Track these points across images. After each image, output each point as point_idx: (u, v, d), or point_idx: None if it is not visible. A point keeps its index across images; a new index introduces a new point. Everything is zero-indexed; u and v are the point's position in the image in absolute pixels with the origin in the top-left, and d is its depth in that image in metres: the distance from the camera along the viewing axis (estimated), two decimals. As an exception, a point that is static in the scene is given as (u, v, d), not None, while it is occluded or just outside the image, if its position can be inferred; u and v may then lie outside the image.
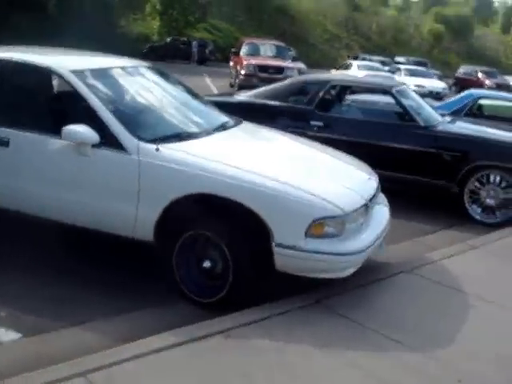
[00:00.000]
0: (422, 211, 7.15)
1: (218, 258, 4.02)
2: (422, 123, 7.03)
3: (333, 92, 7.65)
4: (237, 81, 19.27)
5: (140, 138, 4.20)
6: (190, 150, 4.21)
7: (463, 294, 4.47)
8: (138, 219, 4.17)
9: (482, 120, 9.48)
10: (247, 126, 5.43)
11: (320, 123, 7.27)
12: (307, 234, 3.86)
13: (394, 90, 7.22)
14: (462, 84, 33.54)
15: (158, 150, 4.14)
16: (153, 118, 4.72)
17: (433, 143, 6.94)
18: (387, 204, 5.03)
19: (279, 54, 20.74)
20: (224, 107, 7.83)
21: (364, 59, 34.95)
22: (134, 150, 4.16)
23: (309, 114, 7.34)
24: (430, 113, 7.72)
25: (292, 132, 7.28)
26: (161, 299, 4.14)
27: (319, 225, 3.87)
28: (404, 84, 8.59)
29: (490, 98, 10.55)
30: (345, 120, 7.43)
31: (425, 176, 6.99)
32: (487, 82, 31.55)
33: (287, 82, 7.99)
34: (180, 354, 3.30)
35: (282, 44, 21.88)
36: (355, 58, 35.96)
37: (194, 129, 4.75)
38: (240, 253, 3.91)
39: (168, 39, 38.10)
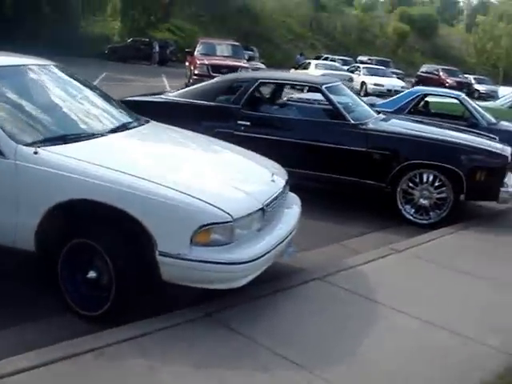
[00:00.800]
0: (356, 212, 6.88)
1: (102, 268, 3.68)
2: (351, 121, 6.73)
3: (261, 90, 7.32)
4: (190, 81, 18.86)
5: (18, 141, 3.85)
6: (72, 153, 3.86)
7: (374, 303, 4.16)
8: (18, 227, 3.85)
9: (426, 118, 9.30)
10: (152, 127, 5.08)
11: (247, 122, 6.95)
12: (193, 242, 3.54)
13: (323, 87, 6.92)
14: (424, 82, 33.48)
15: (36, 153, 3.79)
16: (38, 120, 4.31)
17: (362, 141, 6.66)
18: (298, 205, 4.75)
19: (235, 53, 20.37)
20: (149, 107, 7.60)
21: (326, 58, 34.95)
22: (12, 153, 3.81)
23: (235, 113, 7.01)
24: (364, 110, 7.45)
25: (219, 132, 7.03)
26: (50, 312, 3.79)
27: (205, 232, 3.55)
28: (350, 81, 8.28)
29: (436, 96, 10.34)
30: (272, 118, 7.11)
31: (355, 176, 6.71)
32: (448, 80, 31.72)
33: (215, 80, 7.64)
34: (36, 378, 2.94)
35: (237, 44, 21.47)
36: (318, 58, 35.95)
37: (84, 130, 4.38)
38: (123, 262, 3.59)
39: (129, 40, 37.56)
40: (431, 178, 6.52)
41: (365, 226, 6.48)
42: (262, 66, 28.22)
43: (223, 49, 20.51)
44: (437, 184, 6.51)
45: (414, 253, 5.32)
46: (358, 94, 8.90)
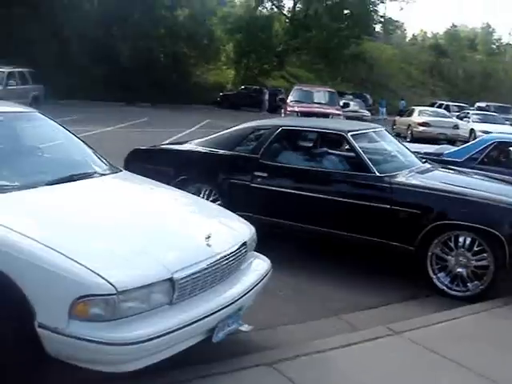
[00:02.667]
0: (381, 278, 5.94)
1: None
2: (376, 172, 5.87)
3: (282, 138, 6.66)
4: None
5: None
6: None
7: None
8: None
9: (503, 170, 8.13)
10: (112, 178, 4.59)
11: (264, 173, 6.32)
12: (71, 315, 2.96)
13: (348, 135, 6.14)
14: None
15: None
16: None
17: (386, 196, 5.77)
18: (262, 271, 4.03)
19: (328, 100, 19.79)
20: (171, 156, 7.25)
21: (441, 105, 33.41)
22: None
23: (253, 163, 6.41)
24: (403, 161, 6.56)
25: (235, 184, 6.49)
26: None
27: (84, 304, 2.96)
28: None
29: (509, 143, 9.09)
30: (291, 169, 6.39)
31: (379, 236, 5.81)
32: None
33: (237, 127, 7.10)
34: None
35: (332, 90, 20.89)
36: (432, 105, 34.51)
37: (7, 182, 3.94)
38: (2, 333, 3.07)
39: (240, 88, 38.30)
40: (468, 241, 5.48)
41: (385, 295, 5.54)
42: (367, 113, 27.37)
43: (317, 96, 20.03)
44: (476, 249, 5.46)
45: (416, 337, 4.33)
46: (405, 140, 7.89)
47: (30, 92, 21.08)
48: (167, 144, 7.58)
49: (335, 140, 6.59)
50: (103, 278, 2.97)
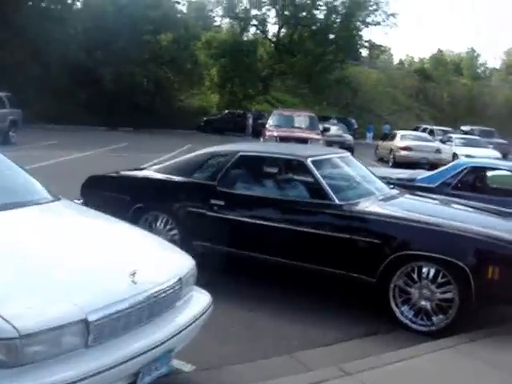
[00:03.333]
0: (344, 312, 5.59)
1: None
2: (336, 200, 5.57)
3: (240, 165, 6.35)
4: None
5: None
6: None
7: None
8: None
9: (478, 195, 7.90)
10: (43, 208, 4.25)
11: (221, 202, 6.00)
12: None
13: (308, 161, 5.84)
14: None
15: None
16: None
17: (345, 225, 5.46)
18: (200, 309, 3.74)
19: (309, 125, 19.57)
20: (126, 183, 6.93)
21: (425, 129, 33.37)
22: None
23: (210, 191, 6.10)
24: (367, 188, 6.27)
25: (191, 212, 6.19)
26: None
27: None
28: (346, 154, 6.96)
29: (484, 168, 8.85)
30: (248, 198, 6.09)
31: (340, 268, 5.49)
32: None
33: (196, 153, 6.80)
34: None
35: (312, 115, 20.65)
36: (416, 129, 34.48)
37: None
38: None
39: (224, 112, 38.17)
40: (432, 273, 5.16)
41: (345, 330, 5.19)
42: (349, 138, 27.19)
43: (296, 120, 19.82)
44: (440, 281, 5.14)
45: (369, 379, 3.98)
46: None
47: (7, 116, 20.73)
48: (125, 170, 7.21)
49: (295, 166, 6.28)
50: (5, 319, 2.63)
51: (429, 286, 5.17)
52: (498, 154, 23.44)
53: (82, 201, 7.02)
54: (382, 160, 24.55)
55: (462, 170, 8.45)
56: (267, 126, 19.43)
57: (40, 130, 27.14)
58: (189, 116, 37.76)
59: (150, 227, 6.52)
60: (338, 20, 44.83)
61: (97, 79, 33.48)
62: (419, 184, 8.56)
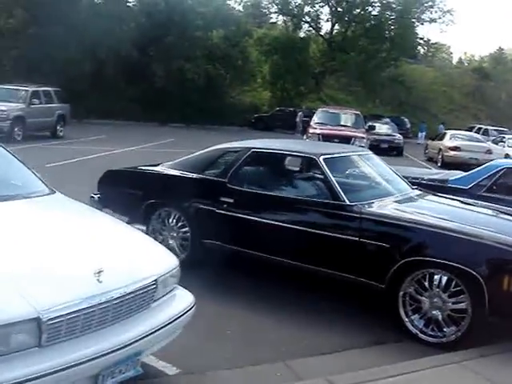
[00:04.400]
0: (354, 317, 5.33)
1: None
2: (346, 200, 5.29)
3: (252, 162, 6.15)
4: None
5: None
6: None
7: None
8: None
9: (504, 197, 7.47)
10: (31, 201, 4.18)
11: (230, 199, 5.82)
12: None
13: (320, 159, 5.58)
14: None
15: None
16: None
17: (355, 227, 5.19)
18: (174, 308, 3.59)
19: (353, 123, 19.17)
20: (140, 178, 6.85)
21: (479, 129, 32.33)
22: None
23: (220, 188, 5.93)
24: (386, 188, 5.97)
25: (201, 210, 6.04)
26: None
27: None
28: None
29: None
30: (258, 196, 5.87)
31: (348, 272, 5.23)
32: None
33: (209, 149, 6.63)
34: None
35: (357, 113, 20.22)
36: (470, 129, 33.46)
37: None
38: None
39: (275, 109, 37.94)
40: (444, 281, 4.84)
41: (350, 338, 4.93)
42: (399, 137, 26.57)
43: (341, 118, 19.43)
44: (452, 290, 4.81)
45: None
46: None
47: (55, 111, 21.15)
48: (141, 166, 7.13)
49: (308, 164, 6.03)
50: None
51: (440, 295, 4.86)
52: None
53: (98, 195, 6.99)
54: (431, 160, 23.84)
55: (497, 172, 7.98)
56: (311, 123, 19.15)
57: (91, 124, 27.69)
58: (240, 113, 37.65)
59: (163, 224, 6.42)
60: (392, 17, 43.85)
61: (148, 75, 33.79)
62: (451, 185, 8.16)
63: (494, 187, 7.98)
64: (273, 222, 5.54)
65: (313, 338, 4.88)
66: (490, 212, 5.97)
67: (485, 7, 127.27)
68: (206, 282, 5.94)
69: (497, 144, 23.55)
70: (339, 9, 43.91)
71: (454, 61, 71.86)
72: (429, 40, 47.22)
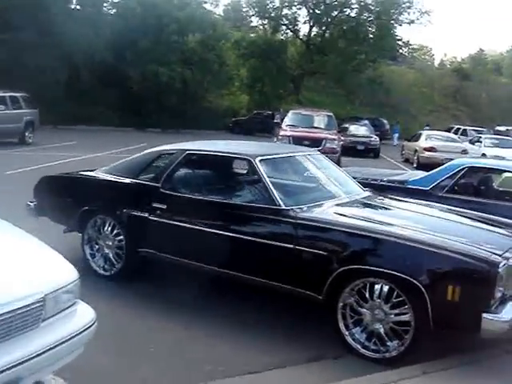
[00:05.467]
0: (296, 331, 4.93)
1: None
2: (282, 205, 4.88)
3: (187, 165, 5.75)
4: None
5: None
6: None
7: None
8: None
9: (467, 198, 7.14)
10: None
11: (163, 205, 5.40)
12: None
13: (256, 160, 5.17)
14: None
15: None
16: None
17: (290, 234, 4.78)
18: (66, 327, 3.19)
19: (325, 125, 18.79)
20: (75, 184, 6.44)
21: (458, 130, 32.22)
22: None
23: (153, 194, 5.51)
24: (334, 190, 5.58)
25: (133, 217, 5.62)
26: None
27: None
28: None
29: (488, 169, 7.96)
30: (190, 201, 5.45)
31: (285, 282, 4.82)
32: None
33: (145, 152, 6.22)
34: None
35: (329, 114, 19.78)
36: (449, 129, 33.35)
37: None
38: None
39: (253, 113, 37.57)
40: (385, 291, 4.44)
41: (286, 354, 4.52)
42: (375, 138, 26.32)
43: (313, 120, 19.04)
44: (394, 301, 4.41)
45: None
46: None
47: (23, 116, 20.62)
48: (77, 171, 6.70)
49: (244, 166, 5.63)
50: None
51: (382, 307, 4.46)
52: (530, 156, 22.18)
53: (34, 203, 6.60)
54: (408, 161, 23.55)
55: (458, 171, 7.60)
56: (282, 125, 18.74)
57: (65, 130, 27.19)
58: (217, 117, 37.25)
59: (98, 232, 6.00)
60: (370, 18, 43.69)
61: (124, 80, 33.35)
62: (411, 186, 7.79)
63: (456, 187, 7.63)
64: (206, 229, 5.13)
65: (244, 355, 4.47)
66: (443, 215, 5.57)
67: (466, 9, 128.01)
68: (142, 294, 5.57)
69: (473, 144, 23.30)
70: (317, 11, 43.64)
71: (436, 63, 72.02)
72: (408, 41, 46.98)
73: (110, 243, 5.92)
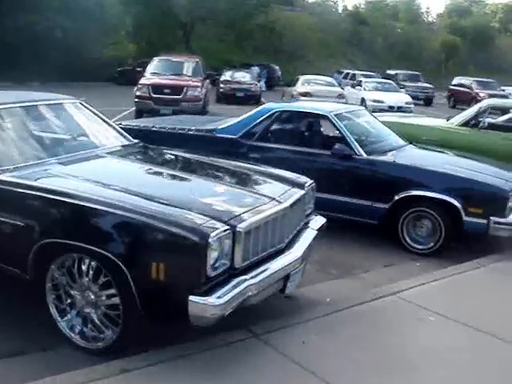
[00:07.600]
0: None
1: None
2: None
3: None
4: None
5: None
6: None
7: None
8: None
9: (279, 146, 6.48)
10: None
11: None
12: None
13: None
14: (455, 96, 30.21)
15: None
16: None
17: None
18: None
19: (192, 71, 17.67)
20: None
21: (347, 74, 32.05)
22: None
23: None
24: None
25: None
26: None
27: None
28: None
29: (295, 113, 7.28)
30: None
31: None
32: (481, 93, 27.69)
33: None
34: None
35: (196, 60, 18.59)
36: (339, 73, 33.18)
37: None
38: None
39: (138, 62, 35.72)
40: (93, 269, 3.59)
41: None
42: (255, 84, 25.51)
43: (178, 67, 17.82)
44: (103, 280, 3.58)
45: None
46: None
47: None
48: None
49: None
50: None
51: (91, 288, 3.62)
52: (409, 99, 22.17)
53: None
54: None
55: (268, 116, 6.86)
56: (145, 73, 17.43)
57: None
58: (104, 67, 35.22)
59: None
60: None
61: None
62: (218, 135, 7.00)
63: (268, 134, 6.91)
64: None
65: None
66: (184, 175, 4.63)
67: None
68: None
69: (354, 88, 22.95)
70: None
71: (341, 9, 71.67)
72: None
73: None
